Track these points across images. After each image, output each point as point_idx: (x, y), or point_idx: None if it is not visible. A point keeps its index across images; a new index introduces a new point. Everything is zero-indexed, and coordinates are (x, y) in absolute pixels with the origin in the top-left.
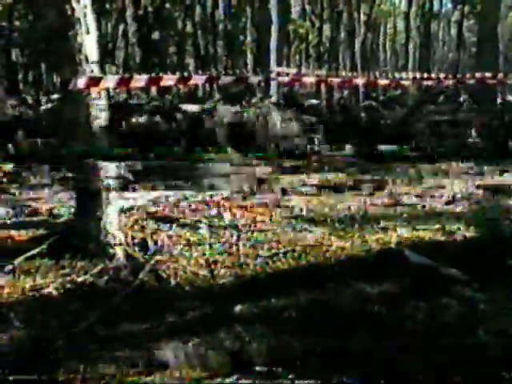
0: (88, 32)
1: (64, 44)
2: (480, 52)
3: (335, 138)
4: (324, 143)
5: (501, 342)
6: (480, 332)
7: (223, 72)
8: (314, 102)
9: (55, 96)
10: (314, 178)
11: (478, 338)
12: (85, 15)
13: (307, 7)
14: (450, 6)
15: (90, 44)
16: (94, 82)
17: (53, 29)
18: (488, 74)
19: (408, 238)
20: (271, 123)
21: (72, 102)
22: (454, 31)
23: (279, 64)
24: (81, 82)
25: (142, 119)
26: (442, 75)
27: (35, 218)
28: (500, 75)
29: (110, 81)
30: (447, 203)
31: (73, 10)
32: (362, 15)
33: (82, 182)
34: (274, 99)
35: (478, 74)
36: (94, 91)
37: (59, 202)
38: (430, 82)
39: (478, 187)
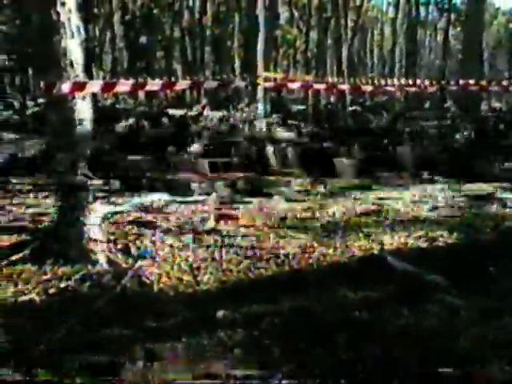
0: (73, 36)
1: (49, 48)
2: (465, 59)
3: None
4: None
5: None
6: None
7: (210, 77)
8: (301, 107)
9: (42, 100)
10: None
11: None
12: (69, 20)
13: (295, 13)
14: (436, 13)
15: (74, 48)
16: (79, 86)
17: (38, 33)
18: (471, 81)
19: (391, 244)
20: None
21: (56, 107)
22: (440, 38)
23: (267, 69)
24: (65, 87)
25: (129, 123)
26: (426, 82)
27: (17, 224)
28: (483, 82)
29: (95, 86)
30: (431, 210)
31: (58, 14)
32: (349, 21)
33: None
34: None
35: (461, 81)
36: (78, 96)
37: (42, 208)
38: (414, 89)
39: (461, 195)
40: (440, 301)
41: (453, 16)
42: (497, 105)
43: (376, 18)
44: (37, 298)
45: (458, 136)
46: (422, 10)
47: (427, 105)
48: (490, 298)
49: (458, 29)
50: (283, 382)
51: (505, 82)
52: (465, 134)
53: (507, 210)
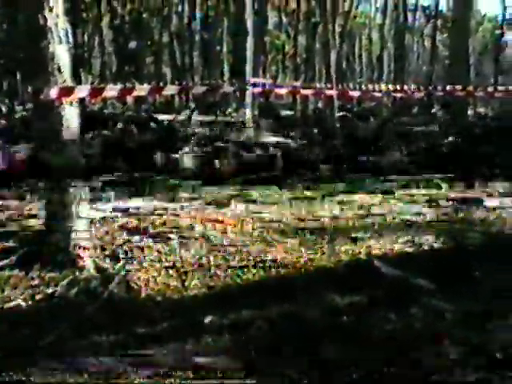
0: (60, 41)
1: (37, 53)
2: (452, 65)
3: None
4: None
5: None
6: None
7: (199, 82)
8: (289, 112)
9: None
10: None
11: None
12: (57, 24)
13: (283, 18)
14: (423, 20)
15: (62, 53)
16: (67, 91)
17: (26, 37)
18: (458, 87)
19: (378, 248)
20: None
21: (44, 112)
22: (427, 44)
23: (255, 74)
24: (53, 92)
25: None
26: (413, 87)
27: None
28: (470, 88)
29: (83, 91)
30: (417, 214)
31: (45, 19)
32: (337, 27)
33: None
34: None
35: (448, 87)
36: (66, 101)
37: (29, 213)
38: (401, 94)
39: (447, 199)
40: (425, 304)
41: (439, 22)
42: (481, 110)
43: (364, 23)
44: (23, 304)
45: (444, 141)
46: (410, 16)
47: (415, 110)
48: (475, 302)
49: (445, 35)
50: None
51: (490, 88)
52: (451, 139)
53: (492, 214)
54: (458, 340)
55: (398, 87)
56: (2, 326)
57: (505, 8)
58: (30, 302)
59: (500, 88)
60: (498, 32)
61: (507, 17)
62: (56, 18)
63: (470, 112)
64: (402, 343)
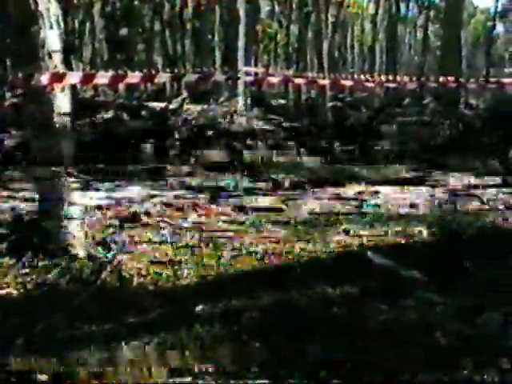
0: (51, 27)
1: (27, 39)
2: (444, 56)
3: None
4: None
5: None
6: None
7: (191, 70)
8: (282, 101)
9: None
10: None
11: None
12: (48, 10)
13: (276, 7)
14: (415, 10)
15: (53, 39)
16: (58, 78)
17: (16, 23)
18: (450, 78)
19: (370, 240)
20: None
21: (35, 98)
22: (419, 35)
23: (247, 63)
24: (44, 78)
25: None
26: (405, 78)
27: None
28: (461, 79)
29: (74, 77)
30: (411, 206)
31: (36, 4)
32: (329, 17)
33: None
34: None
35: (441, 78)
36: (57, 87)
37: (21, 200)
38: (393, 85)
39: (441, 190)
40: (418, 296)
41: (432, 13)
42: (473, 102)
43: (357, 13)
44: (15, 292)
45: (436, 132)
46: (402, 6)
47: (406, 101)
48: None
49: (437, 26)
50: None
51: (482, 80)
52: (442, 130)
53: (486, 205)
54: (450, 332)
55: (391, 77)
56: None
57: (497, 0)
58: (21, 290)
59: (492, 80)
60: (489, 24)
61: (499, 9)
62: (48, 2)
63: (461, 103)
64: (393, 334)
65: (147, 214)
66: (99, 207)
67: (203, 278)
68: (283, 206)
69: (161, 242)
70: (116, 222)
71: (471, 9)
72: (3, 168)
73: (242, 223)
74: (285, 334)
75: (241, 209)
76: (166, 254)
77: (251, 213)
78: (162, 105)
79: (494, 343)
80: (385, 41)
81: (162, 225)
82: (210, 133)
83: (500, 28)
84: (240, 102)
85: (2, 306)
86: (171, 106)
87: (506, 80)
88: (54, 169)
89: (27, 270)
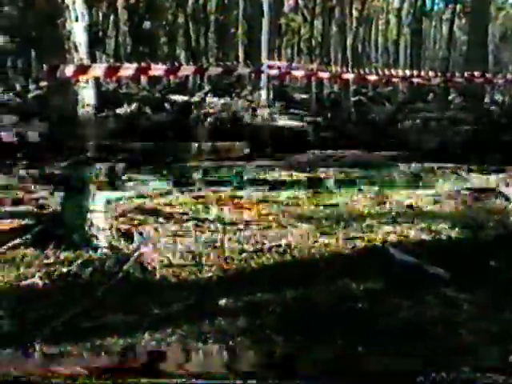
0: (77, 19)
1: (52, 31)
2: (470, 51)
3: None
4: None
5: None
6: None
7: (214, 63)
8: (304, 96)
9: (44, 83)
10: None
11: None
12: (74, 2)
13: (300, 1)
14: (441, 4)
15: (78, 32)
16: (82, 70)
17: (42, 15)
18: (477, 73)
19: (394, 235)
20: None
21: (59, 90)
22: (445, 29)
23: (270, 57)
24: (69, 70)
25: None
26: (431, 73)
27: (20, 208)
28: (488, 75)
29: (99, 69)
30: (434, 203)
31: None
32: (354, 11)
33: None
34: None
35: (466, 73)
36: (82, 79)
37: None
38: (417, 80)
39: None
40: (440, 294)
41: (458, 7)
42: (499, 97)
43: (381, 7)
44: (39, 282)
45: (460, 128)
46: (428, 0)
47: (431, 96)
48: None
49: (464, 20)
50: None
51: (510, 75)
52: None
53: (510, 203)
54: (473, 330)
55: (415, 72)
56: (17, 303)
57: None
58: (45, 281)
59: None
60: None
61: None
62: None
63: (486, 99)
64: (415, 331)
65: (170, 206)
66: (123, 199)
67: (226, 271)
68: (306, 200)
69: (184, 235)
70: (140, 214)
71: (499, 2)
72: (28, 159)
73: (266, 216)
74: (307, 329)
75: (264, 202)
76: (189, 247)
77: (273, 206)
78: (185, 98)
79: None
80: (409, 35)
81: (184, 217)
82: (231, 126)
83: None
84: (263, 95)
85: (27, 297)
86: (194, 99)
87: None
88: (77, 160)
89: (51, 261)
